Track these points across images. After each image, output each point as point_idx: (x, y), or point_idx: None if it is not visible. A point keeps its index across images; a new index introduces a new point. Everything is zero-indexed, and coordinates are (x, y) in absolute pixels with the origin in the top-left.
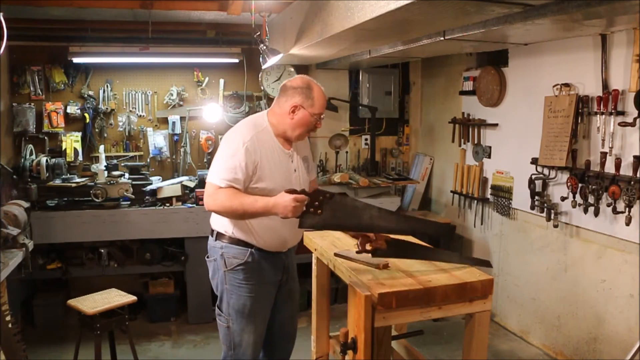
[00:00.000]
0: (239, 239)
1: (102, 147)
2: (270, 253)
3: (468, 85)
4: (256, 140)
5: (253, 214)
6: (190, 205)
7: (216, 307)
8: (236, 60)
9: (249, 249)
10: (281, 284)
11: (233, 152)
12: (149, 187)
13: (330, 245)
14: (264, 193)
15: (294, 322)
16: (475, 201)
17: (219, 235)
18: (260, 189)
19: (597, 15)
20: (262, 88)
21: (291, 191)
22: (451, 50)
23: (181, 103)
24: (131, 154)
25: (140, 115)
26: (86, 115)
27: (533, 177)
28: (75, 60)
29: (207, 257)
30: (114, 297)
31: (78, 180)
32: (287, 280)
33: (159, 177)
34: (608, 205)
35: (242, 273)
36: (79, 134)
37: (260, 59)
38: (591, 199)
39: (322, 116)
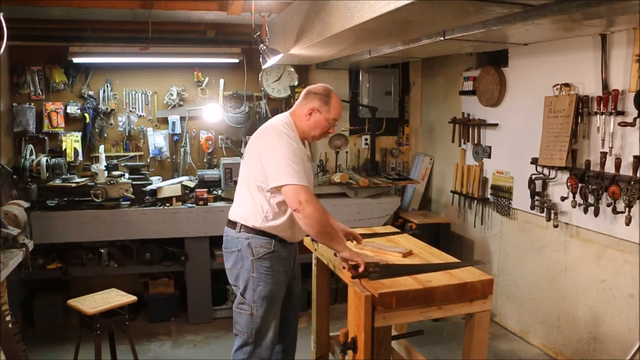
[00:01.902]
0: (264, 231)
1: (102, 147)
2: (287, 243)
3: (468, 85)
4: (296, 138)
5: (325, 235)
6: (190, 205)
7: (238, 296)
8: (236, 60)
9: (273, 239)
10: (291, 272)
11: (293, 153)
12: (149, 187)
13: None
14: None
15: (296, 309)
16: (475, 201)
17: (245, 227)
18: None
19: (597, 15)
20: (262, 88)
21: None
22: (451, 50)
23: (181, 103)
24: (131, 154)
25: (140, 115)
26: (86, 115)
27: (533, 177)
28: (75, 60)
29: (226, 249)
30: (114, 297)
31: (78, 180)
32: (293, 268)
33: (159, 177)
34: (608, 205)
35: (268, 261)
36: (79, 134)
37: (260, 59)
38: (591, 199)
39: (336, 122)
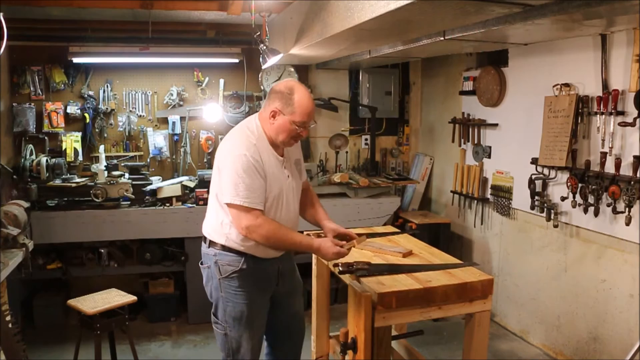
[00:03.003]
0: (231, 247)
1: (102, 147)
2: (264, 260)
3: (468, 85)
4: (257, 152)
5: (294, 249)
6: (190, 205)
7: (212, 315)
8: (236, 60)
9: (243, 257)
10: (277, 288)
11: (244, 167)
12: (149, 187)
13: None
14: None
15: (297, 320)
16: (475, 201)
17: (212, 243)
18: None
19: (597, 15)
20: (262, 88)
21: (338, 243)
22: (451, 50)
23: (181, 103)
24: (131, 154)
25: (140, 115)
26: (86, 115)
27: (533, 177)
28: (75, 60)
29: (201, 264)
30: (114, 297)
31: (78, 180)
32: (283, 283)
33: (159, 177)
34: (608, 205)
35: (237, 280)
36: (79, 134)
37: (260, 59)
38: (591, 199)
39: (305, 125)
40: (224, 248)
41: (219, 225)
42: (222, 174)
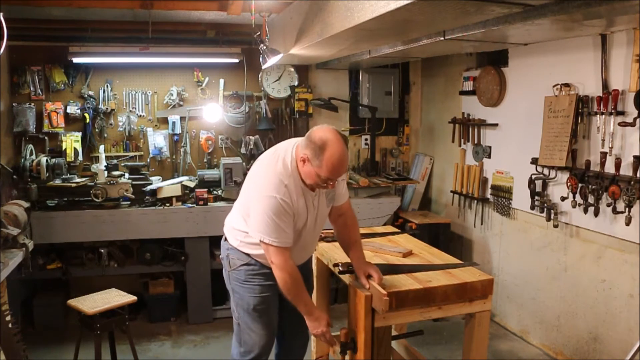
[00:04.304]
0: (242, 251)
1: (102, 147)
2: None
3: (468, 85)
4: (288, 193)
5: (297, 305)
6: (190, 205)
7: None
8: (236, 60)
9: (252, 258)
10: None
11: (274, 210)
12: (149, 187)
13: (330, 246)
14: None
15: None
16: (475, 201)
17: (227, 239)
18: None
19: (597, 15)
20: (262, 88)
21: (328, 331)
22: (451, 50)
23: (181, 103)
24: (131, 154)
25: (140, 115)
26: (86, 115)
27: (533, 177)
28: (75, 60)
29: (220, 257)
30: (114, 297)
31: (78, 180)
32: None
33: (159, 177)
34: (608, 205)
35: (244, 273)
36: (79, 134)
37: (260, 59)
38: (591, 199)
39: (332, 181)
40: (237, 248)
41: (237, 231)
42: (252, 205)
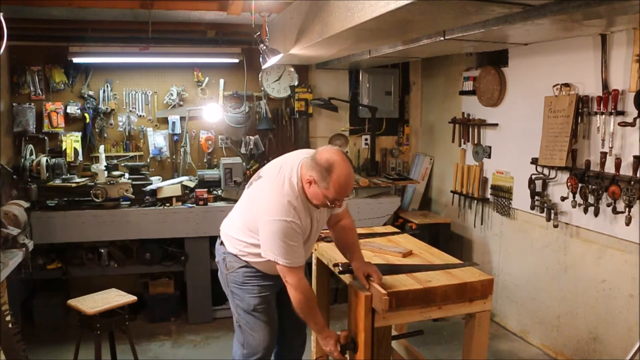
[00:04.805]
0: (241, 258)
1: (102, 147)
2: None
3: (468, 85)
4: (297, 214)
5: (309, 323)
6: (190, 205)
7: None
8: (236, 60)
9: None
10: (284, 288)
11: (285, 233)
12: (149, 187)
13: (330, 246)
14: None
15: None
16: (475, 201)
17: (224, 243)
18: None
19: (597, 15)
20: (262, 88)
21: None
22: (451, 50)
23: (181, 103)
24: (131, 154)
25: (140, 115)
26: (86, 115)
27: (533, 177)
28: (75, 60)
29: (216, 261)
30: (114, 297)
31: (78, 180)
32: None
33: (159, 177)
34: (608, 205)
35: (242, 275)
36: (79, 134)
37: (260, 59)
38: (591, 199)
39: (339, 201)
40: (235, 255)
41: (237, 241)
42: (261, 227)
